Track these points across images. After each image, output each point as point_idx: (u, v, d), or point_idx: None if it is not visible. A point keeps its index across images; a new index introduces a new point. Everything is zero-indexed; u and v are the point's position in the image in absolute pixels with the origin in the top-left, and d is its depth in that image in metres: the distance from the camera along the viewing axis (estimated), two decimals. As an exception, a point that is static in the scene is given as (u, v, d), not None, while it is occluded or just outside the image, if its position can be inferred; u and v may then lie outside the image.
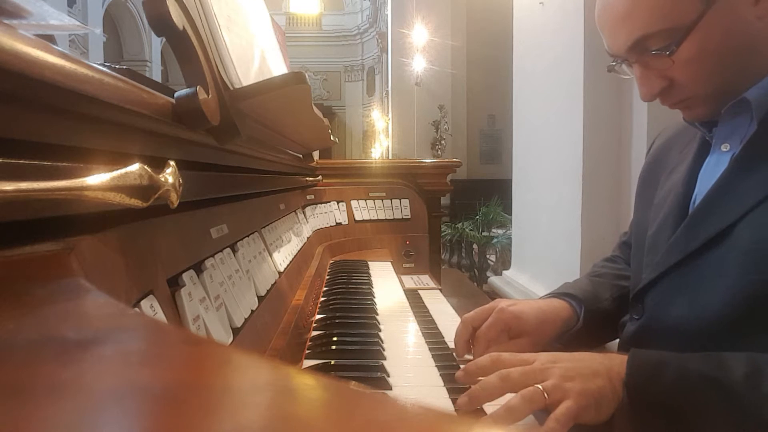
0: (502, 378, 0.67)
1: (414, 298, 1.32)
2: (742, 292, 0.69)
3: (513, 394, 0.65)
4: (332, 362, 0.80)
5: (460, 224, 5.57)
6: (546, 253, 2.71)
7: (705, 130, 0.84)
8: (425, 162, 2.13)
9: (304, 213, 1.58)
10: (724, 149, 0.80)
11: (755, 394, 0.61)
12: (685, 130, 0.92)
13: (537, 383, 0.65)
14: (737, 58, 0.74)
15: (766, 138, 0.73)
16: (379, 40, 17.18)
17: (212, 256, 0.63)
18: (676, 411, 0.64)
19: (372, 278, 1.42)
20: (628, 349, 0.71)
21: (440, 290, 1.51)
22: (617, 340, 0.94)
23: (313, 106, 0.93)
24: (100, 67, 0.35)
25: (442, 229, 3.12)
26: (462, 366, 0.84)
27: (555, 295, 0.98)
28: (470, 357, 0.89)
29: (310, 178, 1.66)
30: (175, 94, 0.49)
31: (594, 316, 0.95)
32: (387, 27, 11.68)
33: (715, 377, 0.63)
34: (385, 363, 0.81)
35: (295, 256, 1.18)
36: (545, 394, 0.64)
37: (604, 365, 0.69)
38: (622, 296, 0.96)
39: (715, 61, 0.74)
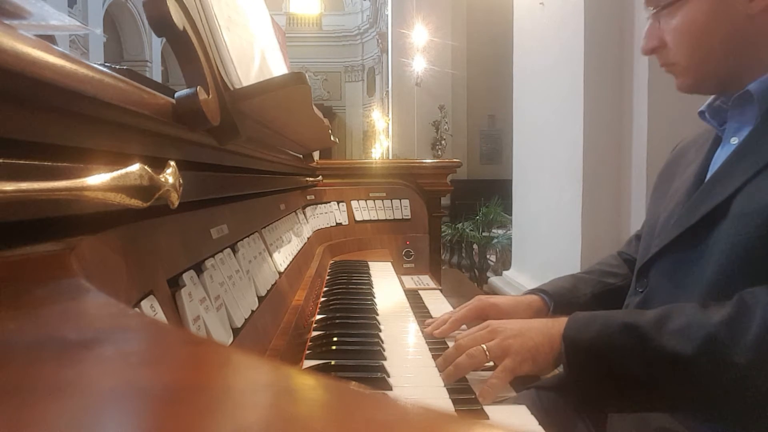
0: (456, 347, 0.82)
1: (414, 298, 1.32)
2: (729, 261, 0.74)
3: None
4: (332, 362, 0.80)
5: (461, 224, 5.57)
6: (546, 253, 2.71)
7: (716, 125, 0.90)
8: (425, 162, 2.12)
9: (304, 213, 1.58)
10: (733, 142, 0.85)
11: (659, 332, 0.70)
12: (704, 135, 0.98)
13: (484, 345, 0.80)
14: (728, 46, 0.81)
15: (766, 126, 0.78)
16: (380, 41, 17.16)
17: (212, 256, 0.63)
18: (600, 353, 0.74)
19: (372, 278, 1.41)
20: None
21: (440, 290, 1.51)
22: None
23: (314, 107, 0.93)
24: (100, 68, 0.35)
25: (443, 230, 3.12)
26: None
27: (530, 291, 1.11)
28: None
29: (311, 179, 1.66)
30: (176, 95, 0.49)
31: (569, 309, 1.01)
32: (387, 27, 11.67)
33: (629, 322, 0.74)
34: (385, 363, 0.81)
35: (295, 257, 1.17)
36: (487, 353, 0.79)
37: (545, 324, 0.82)
38: (604, 292, 1.07)
39: (699, 38, 0.82)
